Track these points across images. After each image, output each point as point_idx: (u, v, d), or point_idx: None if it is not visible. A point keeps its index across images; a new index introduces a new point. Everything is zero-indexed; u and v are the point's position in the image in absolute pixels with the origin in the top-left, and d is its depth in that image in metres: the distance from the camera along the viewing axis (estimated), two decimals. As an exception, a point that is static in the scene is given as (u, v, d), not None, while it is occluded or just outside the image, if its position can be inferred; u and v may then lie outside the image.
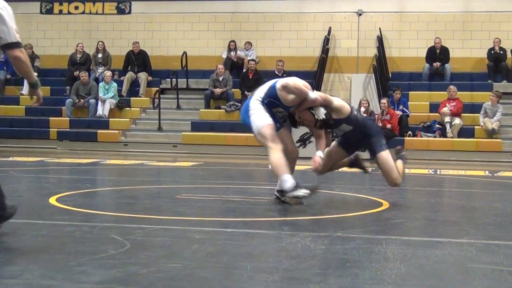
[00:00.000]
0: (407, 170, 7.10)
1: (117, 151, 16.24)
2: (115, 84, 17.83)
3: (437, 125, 16.13)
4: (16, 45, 4.52)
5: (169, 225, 5.57)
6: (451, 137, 15.80)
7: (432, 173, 11.78)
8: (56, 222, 5.60)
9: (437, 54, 17.81)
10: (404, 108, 16.30)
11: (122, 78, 18.38)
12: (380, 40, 17.87)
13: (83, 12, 19.87)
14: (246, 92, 17.18)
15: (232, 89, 17.63)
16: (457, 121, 15.92)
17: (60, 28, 19.93)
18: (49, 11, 20.02)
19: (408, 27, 18.42)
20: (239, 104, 17.06)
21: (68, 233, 5.09)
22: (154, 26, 19.46)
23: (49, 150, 16.31)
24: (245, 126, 6.72)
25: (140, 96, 18.27)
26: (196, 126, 17.09)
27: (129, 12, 19.70)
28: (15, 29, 4.51)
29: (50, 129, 17.30)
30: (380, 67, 17.35)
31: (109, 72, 18.02)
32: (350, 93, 18.20)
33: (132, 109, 17.88)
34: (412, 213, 6.62)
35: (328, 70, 18.29)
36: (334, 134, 7.23)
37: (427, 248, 4.84)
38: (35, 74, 4.78)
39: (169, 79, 18.28)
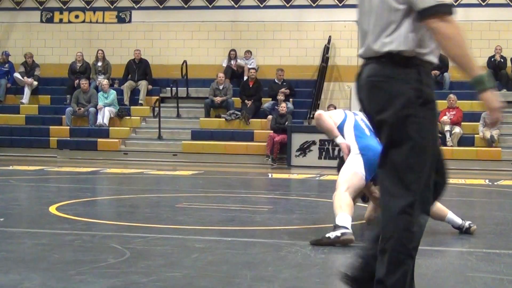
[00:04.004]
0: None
1: (117, 160, 16.22)
2: (114, 93, 17.82)
3: (437, 134, 16.13)
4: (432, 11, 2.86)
5: (169, 234, 5.57)
6: (451, 146, 15.79)
7: (432, 181, 11.75)
8: (56, 231, 5.60)
9: (436, 62, 17.77)
10: (404, 117, 16.27)
11: (122, 86, 18.38)
12: (380, 49, 17.86)
13: (84, 21, 19.89)
14: (246, 101, 17.20)
15: (232, 98, 17.61)
16: (457, 129, 15.93)
17: (60, 37, 19.95)
18: (50, 20, 20.04)
19: (407, 36, 18.40)
20: (239, 113, 17.06)
21: (68, 242, 5.09)
22: (154, 35, 19.47)
23: (49, 159, 16.29)
24: None
25: (140, 103, 18.26)
26: (196, 135, 17.08)
27: (129, 21, 19.73)
28: None
29: (50, 138, 17.28)
30: (380, 76, 17.33)
31: (106, 80, 18.00)
32: (350, 102, 18.19)
33: (132, 117, 17.87)
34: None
35: (328, 79, 18.28)
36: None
37: (427, 257, 4.84)
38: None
39: (169, 88, 18.28)
